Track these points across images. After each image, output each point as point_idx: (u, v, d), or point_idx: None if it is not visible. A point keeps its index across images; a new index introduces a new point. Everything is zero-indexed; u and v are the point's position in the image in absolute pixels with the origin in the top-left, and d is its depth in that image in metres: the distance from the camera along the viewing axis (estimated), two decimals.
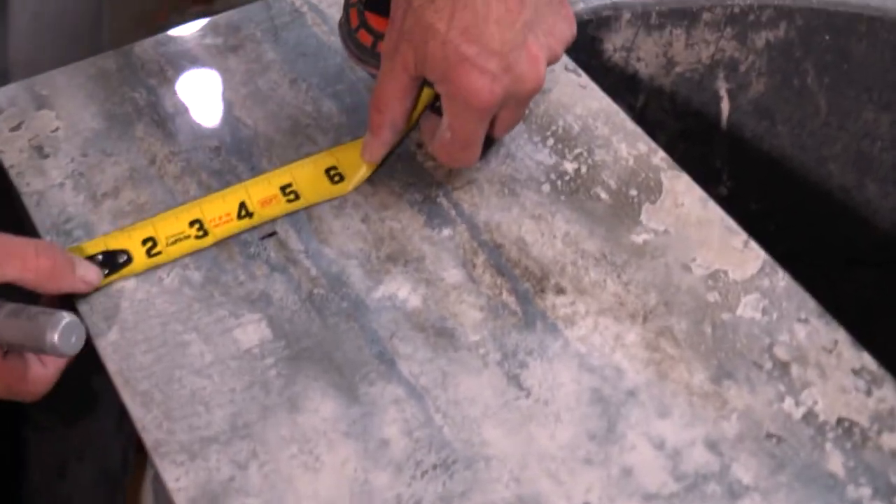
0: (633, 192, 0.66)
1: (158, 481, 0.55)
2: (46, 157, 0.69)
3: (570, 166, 0.68)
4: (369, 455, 0.56)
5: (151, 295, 0.62)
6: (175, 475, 0.55)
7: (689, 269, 0.63)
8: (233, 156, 0.69)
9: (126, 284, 0.63)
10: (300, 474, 0.55)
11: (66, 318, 0.56)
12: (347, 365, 0.59)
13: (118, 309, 0.61)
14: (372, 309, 0.62)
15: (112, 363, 0.59)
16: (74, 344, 0.56)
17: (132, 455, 1.00)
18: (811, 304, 0.61)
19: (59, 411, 0.95)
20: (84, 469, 0.97)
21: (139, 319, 0.61)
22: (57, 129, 0.70)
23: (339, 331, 0.61)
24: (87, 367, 0.60)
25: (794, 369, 0.58)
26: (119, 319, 0.61)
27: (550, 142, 0.69)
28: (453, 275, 0.63)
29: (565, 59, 0.74)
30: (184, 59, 0.75)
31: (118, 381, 0.59)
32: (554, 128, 0.70)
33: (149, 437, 0.56)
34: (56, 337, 0.55)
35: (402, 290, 0.62)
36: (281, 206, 0.66)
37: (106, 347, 0.60)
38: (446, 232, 0.65)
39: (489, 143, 0.67)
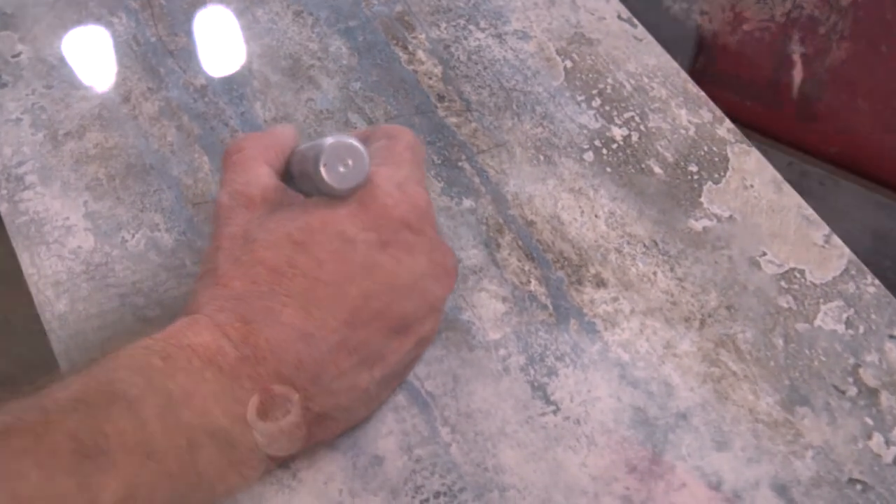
0: (693, 168, 0.57)
1: None
2: (4, 86, 0.61)
3: (618, 132, 0.58)
4: (358, 474, 0.46)
5: (112, 259, 0.52)
6: None
7: (757, 265, 0.53)
8: (221, 97, 0.59)
9: (83, 244, 0.52)
10: (272, 494, 0.45)
11: (330, 140, 0.43)
12: None
13: (71, 273, 0.52)
14: None
15: (57, 341, 0.50)
16: (347, 174, 0.42)
17: None
18: None
19: None
20: None
21: (94, 288, 0.51)
22: (19, 53, 0.62)
23: None
24: None
25: (885, 398, 0.49)
26: (70, 287, 0.51)
27: (596, 102, 0.59)
28: (473, 255, 0.53)
29: (618, 7, 0.64)
30: None
31: (63, 364, 0.49)
32: (601, 86, 0.60)
33: None
34: (322, 168, 0.42)
35: None
36: None
37: (52, 321, 0.50)
38: (467, 203, 0.55)
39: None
